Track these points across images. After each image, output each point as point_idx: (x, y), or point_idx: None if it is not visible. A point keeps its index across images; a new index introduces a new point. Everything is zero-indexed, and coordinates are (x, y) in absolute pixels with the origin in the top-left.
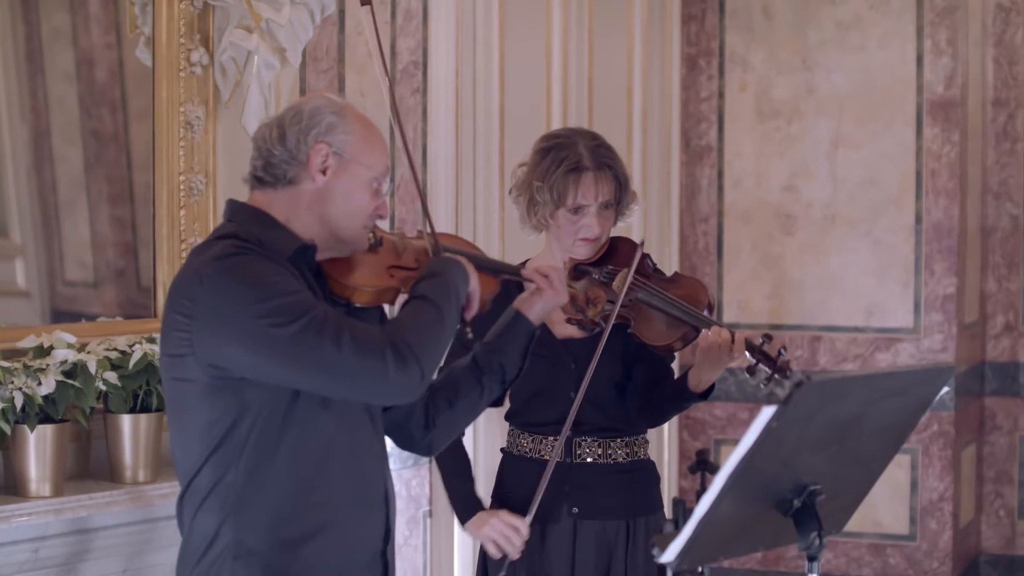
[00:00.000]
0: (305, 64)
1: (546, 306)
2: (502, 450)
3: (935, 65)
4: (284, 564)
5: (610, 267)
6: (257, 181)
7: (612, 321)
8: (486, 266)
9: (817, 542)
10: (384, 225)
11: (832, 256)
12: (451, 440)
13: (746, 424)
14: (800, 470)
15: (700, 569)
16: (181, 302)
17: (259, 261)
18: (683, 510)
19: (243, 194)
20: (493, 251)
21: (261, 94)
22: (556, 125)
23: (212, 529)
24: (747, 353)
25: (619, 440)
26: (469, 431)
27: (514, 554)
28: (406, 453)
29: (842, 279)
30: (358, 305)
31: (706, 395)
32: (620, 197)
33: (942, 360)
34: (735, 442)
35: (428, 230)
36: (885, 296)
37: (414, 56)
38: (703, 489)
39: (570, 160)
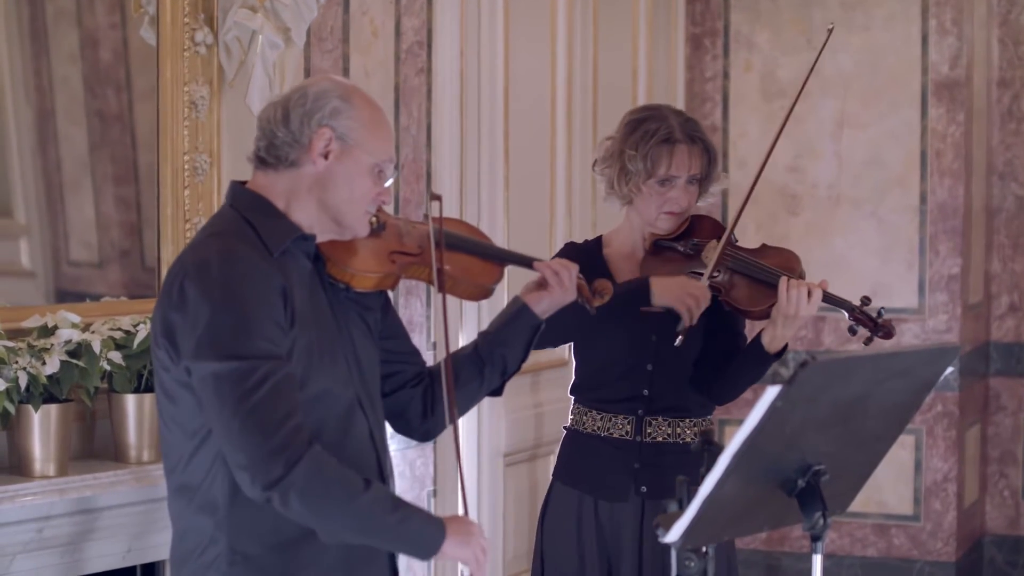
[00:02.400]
0: (309, 44)
1: (553, 303)
2: (565, 428)
3: (940, 45)
4: (282, 566)
5: (695, 240)
6: (260, 162)
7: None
8: (491, 254)
9: (821, 522)
10: (389, 207)
11: (837, 236)
12: (447, 428)
13: (750, 404)
14: (804, 450)
15: (705, 549)
16: (166, 296)
17: (250, 280)
18: (688, 490)
19: (247, 174)
20: (497, 232)
21: (265, 74)
22: (560, 106)
23: (206, 533)
24: (844, 313)
25: (688, 420)
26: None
27: (695, 318)
28: None
29: (847, 259)
30: (358, 290)
31: (780, 355)
32: (709, 172)
33: (947, 340)
34: (739, 422)
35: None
36: (890, 276)
37: (419, 36)
38: (708, 469)
39: (663, 131)
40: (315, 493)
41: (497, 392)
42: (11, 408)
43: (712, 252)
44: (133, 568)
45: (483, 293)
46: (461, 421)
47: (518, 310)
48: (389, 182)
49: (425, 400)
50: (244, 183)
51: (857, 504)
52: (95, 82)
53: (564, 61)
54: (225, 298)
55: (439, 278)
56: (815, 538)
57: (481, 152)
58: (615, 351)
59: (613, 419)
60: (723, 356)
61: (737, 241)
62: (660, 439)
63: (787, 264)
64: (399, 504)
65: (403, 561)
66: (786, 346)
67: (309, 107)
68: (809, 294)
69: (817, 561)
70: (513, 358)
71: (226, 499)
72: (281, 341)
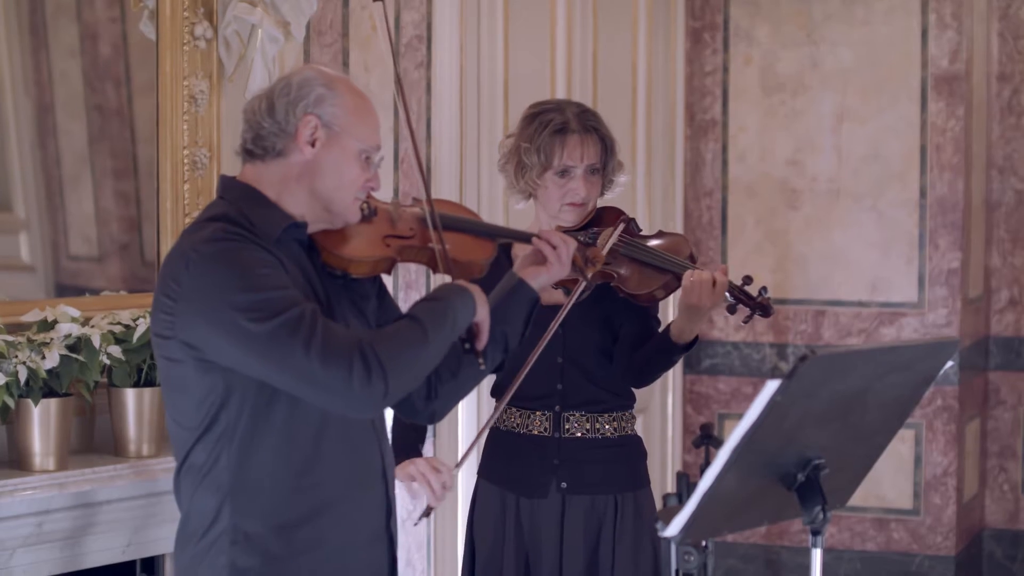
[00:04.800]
0: (309, 38)
1: (551, 277)
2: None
3: (940, 39)
4: (283, 547)
5: (595, 229)
6: (248, 154)
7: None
8: (482, 230)
9: (821, 516)
10: (387, 198)
11: (836, 231)
12: (452, 408)
13: (750, 398)
14: (804, 444)
15: (704, 543)
16: (168, 284)
17: (248, 249)
18: (687, 484)
19: None
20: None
21: (265, 68)
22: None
23: (211, 511)
24: (727, 293)
25: (607, 415)
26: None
27: (432, 500)
28: None
29: (846, 254)
30: (355, 276)
31: (690, 347)
32: (606, 161)
33: (946, 335)
34: (739, 416)
35: (424, 198)
36: (889, 271)
37: (418, 30)
38: (707, 463)
39: (556, 122)
40: (410, 376)
41: (499, 368)
42: (11, 402)
43: (606, 240)
44: (133, 562)
45: (477, 270)
46: (462, 405)
47: (515, 286)
48: (377, 167)
49: (428, 382)
50: (234, 177)
51: (857, 498)
52: (94, 76)
53: (564, 55)
54: (234, 268)
55: (443, 259)
56: (815, 532)
57: (481, 146)
58: (524, 351)
59: (531, 416)
60: (635, 343)
61: (641, 231)
62: (579, 434)
63: (674, 247)
64: (446, 308)
65: (402, 548)
66: (696, 338)
67: (293, 96)
68: (714, 282)
69: (817, 555)
70: (514, 333)
71: (231, 479)
72: (294, 288)
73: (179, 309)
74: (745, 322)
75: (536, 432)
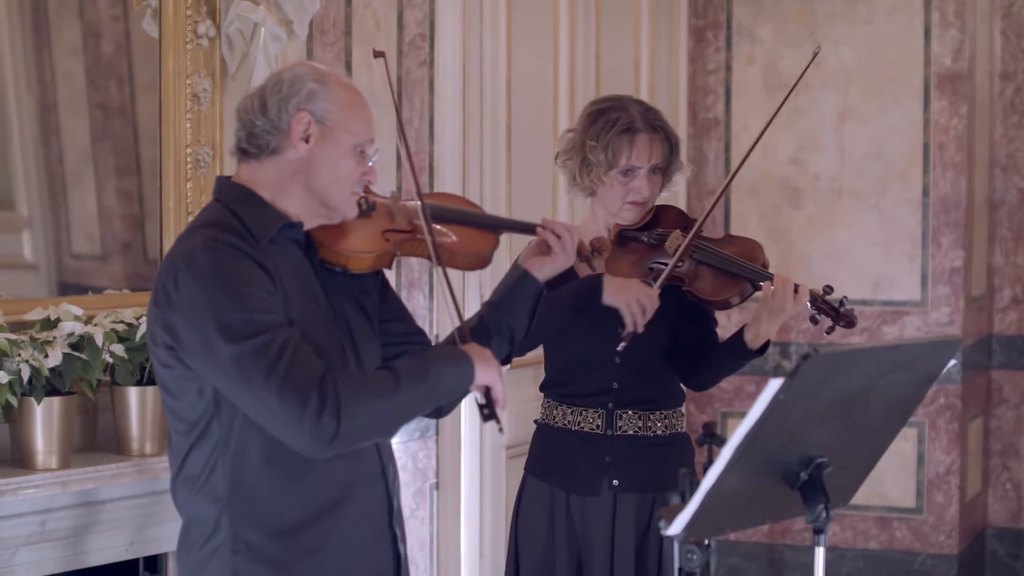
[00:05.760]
0: (312, 36)
1: (555, 267)
2: (536, 422)
3: (943, 38)
4: (285, 553)
5: (659, 230)
6: (242, 153)
7: (663, 281)
8: (484, 222)
9: (824, 515)
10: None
11: (839, 229)
12: (457, 405)
13: (753, 397)
14: (807, 443)
15: (707, 542)
16: (157, 292)
17: (237, 262)
18: (690, 483)
19: None
20: None
21: (268, 66)
22: (563, 98)
23: (210, 521)
24: (808, 304)
25: (658, 413)
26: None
27: (640, 325)
28: (411, 425)
29: (849, 252)
30: (354, 272)
31: (762, 351)
32: (670, 161)
33: (949, 333)
34: (742, 415)
35: (419, 192)
36: (892, 269)
37: (421, 29)
38: (710, 462)
39: (623, 121)
40: (367, 423)
41: (506, 360)
42: (14, 401)
43: (676, 242)
44: (135, 561)
45: (480, 262)
46: (463, 413)
47: (520, 277)
48: (373, 161)
49: None
50: (230, 177)
51: (859, 497)
52: (97, 75)
53: (566, 53)
54: (219, 282)
55: (435, 251)
56: (817, 531)
57: (483, 144)
58: (583, 345)
59: (583, 413)
60: (694, 346)
61: (703, 232)
62: (631, 432)
63: (750, 253)
64: (428, 369)
65: (410, 533)
66: (767, 343)
67: (285, 92)
68: (796, 289)
69: (819, 554)
70: (519, 325)
71: (227, 488)
72: (280, 311)
73: (164, 318)
74: (828, 333)
75: (587, 429)
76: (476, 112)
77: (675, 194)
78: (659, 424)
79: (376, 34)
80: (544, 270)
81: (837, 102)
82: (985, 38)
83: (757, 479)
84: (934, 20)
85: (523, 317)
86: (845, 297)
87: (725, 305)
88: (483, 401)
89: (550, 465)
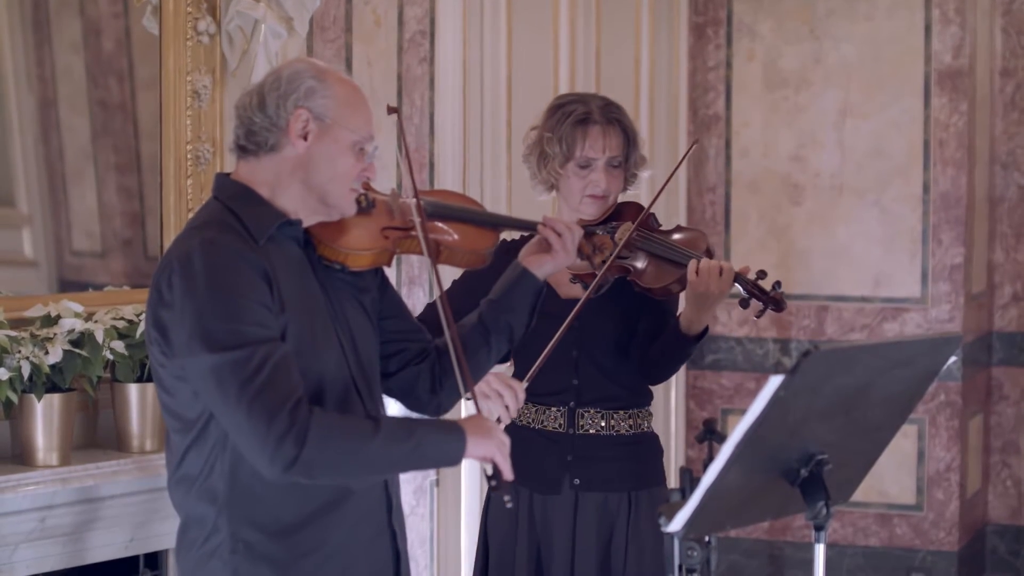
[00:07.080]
0: (312, 33)
1: (556, 266)
2: (499, 419)
3: (943, 35)
4: (284, 552)
5: (614, 223)
6: (241, 150)
7: (606, 266)
8: (485, 220)
9: (824, 512)
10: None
11: (839, 226)
12: (457, 401)
13: (753, 394)
14: (807, 439)
15: (707, 538)
16: (153, 292)
17: (233, 268)
18: (690, 479)
19: None
20: None
21: (268, 63)
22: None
23: (208, 520)
24: (738, 285)
25: (623, 412)
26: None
27: (506, 416)
28: None
29: (849, 249)
30: (353, 269)
31: (699, 338)
32: (628, 154)
33: (949, 330)
34: (742, 412)
35: (423, 189)
36: (892, 266)
37: (421, 25)
38: (710, 459)
39: (579, 113)
40: (332, 459)
41: (506, 358)
42: (14, 397)
43: (624, 234)
44: (136, 557)
45: (480, 260)
46: (463, 413)
47: (519, 275)
48: (372, 158)
49: (433, 375)
50: (229, 174)
51: (859, 494)
52: (98, 71)
53: (567, 50)
54: (211, 288)
55: (428, 247)
56: (818, 527)
57: (484, 141)
58: (541, 345)
59: (546, 411)
60: (651, 339)
61: (660, 226)
62: (592, 431)
63: (691, 242)
64: (413, 429)
65: (410, 531)
66: (706, 329)
67: (283, 89)
68: (720, 270)
69: (820, 550)
70: (518, 323)
71: (226, 488)
72: (272, 323)
73: (157, 317)
74: (758, 316)
75: (550, 428)
76: (476, 109)
77: (673, 190)
78: (623, 424)
79: (376, 31)
80: (544, 268)
81: (838, 99)
82: (986, 35)
83: (757, 476)
84: (935, 17)
85: (523, 315)
86: (778, 282)
87: (666, 293)
88: (491, 472)
89: (513, 463)
